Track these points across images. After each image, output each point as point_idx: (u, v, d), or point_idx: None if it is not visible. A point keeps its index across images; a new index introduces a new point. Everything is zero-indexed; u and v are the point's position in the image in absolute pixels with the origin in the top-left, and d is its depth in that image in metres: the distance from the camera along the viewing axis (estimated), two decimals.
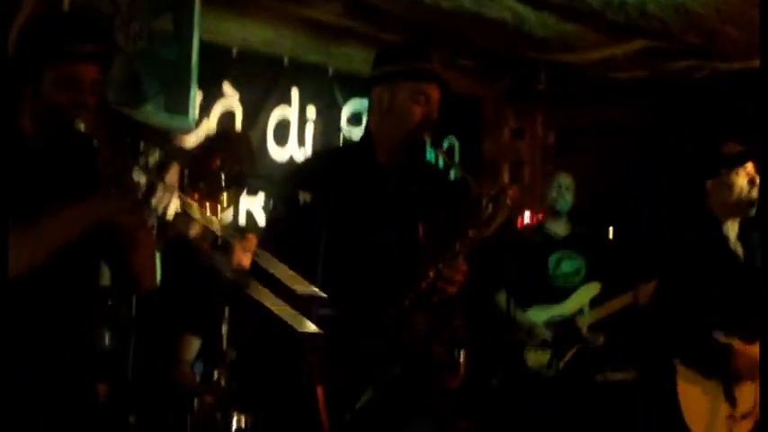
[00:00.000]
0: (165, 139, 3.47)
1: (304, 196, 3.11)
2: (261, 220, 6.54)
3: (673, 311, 4.36)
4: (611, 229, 6.69)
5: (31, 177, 3.01)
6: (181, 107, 4.67)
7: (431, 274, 3.29)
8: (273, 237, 3.45)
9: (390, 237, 3.45)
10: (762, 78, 3.78)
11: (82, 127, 2.96)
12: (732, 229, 4.45)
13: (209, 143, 3.27)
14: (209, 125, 6.09)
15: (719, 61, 6.45)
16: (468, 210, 3.35)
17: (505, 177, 8.11)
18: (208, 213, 3.11)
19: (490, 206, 3.33)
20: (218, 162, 3.10)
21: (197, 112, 4.88)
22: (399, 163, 3.53)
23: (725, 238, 4.45)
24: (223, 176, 3.08)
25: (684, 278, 4.35)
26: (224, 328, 4.99)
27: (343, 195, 3.36)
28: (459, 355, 3.48)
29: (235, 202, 3.24)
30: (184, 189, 3.05)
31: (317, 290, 2.94)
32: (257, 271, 3.03)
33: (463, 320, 3.50)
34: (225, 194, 3.10)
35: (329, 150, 4.88)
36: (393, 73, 3.49)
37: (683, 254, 4.40)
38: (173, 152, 3.13)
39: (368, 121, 3.64)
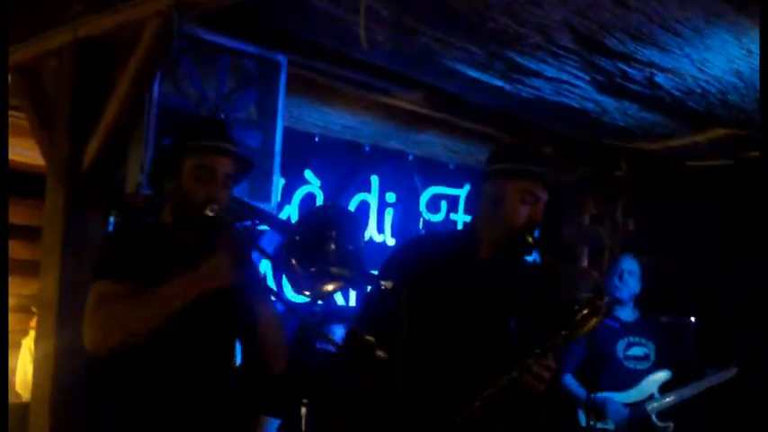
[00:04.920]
0: (274, 220, 3.56)
1: (387, 284, 3.13)
2: (341, 301, 6.60)
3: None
4: (692, 317, 6.62)
5: (163, 259, 3.21)
6: (264, 194, 4.74)
7: (519, 370, 3.29)
8: (365, 321, 3.50)
9: (482, 330, 3.47)
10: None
11: (210, 213, 3.13)
12: None
13: (319, 220, 3.30)
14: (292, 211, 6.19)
15: None
16: (562, 310, 3.36)
17: (584, 262, 8.08)
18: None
19: (585, 310, 3.33)
20: (332, 245, 3.17)
21: (279, 198, 4.95)
22: (499, 259, 3.56)
23: None
24: (337, 262, 3.14)
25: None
26: (303, 410, 5.01)
27: (440, 284, 3.40)
28: None
29: (344, 287, 3.27)
30: (293, 269, 3.13)
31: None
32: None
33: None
34: (333, 284, 3.15)
35: (431, 236, 4.90)
36: (505, 170, 3.54)
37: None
38: (283, 229, 3.21)
39: (474, 214, 3.69)
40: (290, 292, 5.14)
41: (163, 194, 3.36)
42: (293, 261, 3.11)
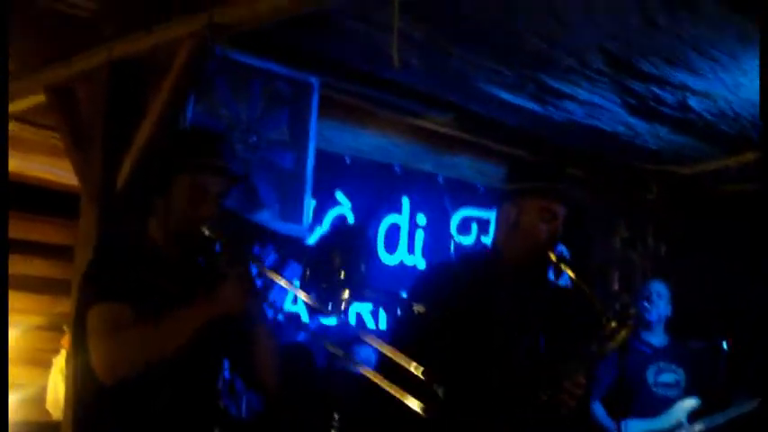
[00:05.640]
0: (285, 239, 3.53)
1: (420, 309, 3.15)
2: (371, 324, 6.59)
3: None
4: (724, 342, 6.56)
5: (158, 280, 3.15)
6: (295, 215, 4.76)
7: (552, 387, 3.28)
8: (397, 344, 3.50)
9: (511, 349, 3.46)
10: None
11: (206, 232, 3.09)
12: None
13: (328, 240, 3.32)
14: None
15: None
16: (590, 325, 3.35)
17: (615, 286, 8.04)
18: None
19: (613, 323, 3.32)
20: (338, 260, 3.16)
21: (311, 219, 4.96)
22: (523, 277, 3.56)
23: None
24: (343, 274, 3.14)
25: None
26: None
27: (465, 307, 3.39)
28: None
29: (354, 301, 3.25)
30: (306, 287, 3.12)
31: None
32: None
33: None
34: (345, 294, 3.15)
35: (459, 258, 4.89)
36: (522, 190, 3.54)
37: None
38: (292, 252, 3.21)
39: (495, 235, 3.68)
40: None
41: (149, 208, 3.30)
42: (308, 273, 3.12)
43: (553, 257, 3.47)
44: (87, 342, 3.04)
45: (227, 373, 3.63)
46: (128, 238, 3.48)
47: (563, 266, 3.48)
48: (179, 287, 3.16)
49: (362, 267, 3.22)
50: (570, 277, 3.43)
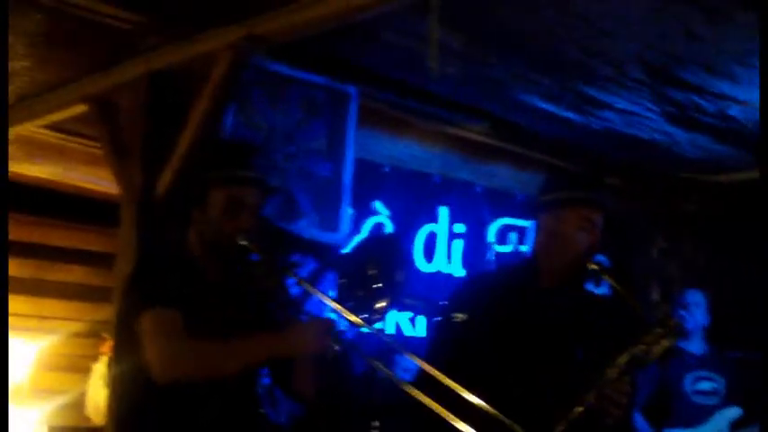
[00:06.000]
0: (322, 249, 3.55)
1: (461, 317, 3.15)
2: (409, 332, 6.59)
3: None
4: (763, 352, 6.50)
5: (197, 289, 3.18)
6: (333, 223, 4.77)
7: (595, 395, 3.26)
8: (437, 354, 3.50)
9: (549, 360, 3.45)
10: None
11: (243, 243, 3.11)
12: None
13: (365, 249, 3.33)
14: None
15: None
16: (631, 334, 3.33)
17: (654, 296, 7.99)
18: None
19: (657, 330, 3.30)
20: (375, 269, 3.17)
21: (348, 228, 4.97)
22: (562, 288, 3.55)
23: None
24: (380, 283, 3.15)
25: None
26: None
27: (505, 317, 3.39)
28: None
29: (390, 309, 3.27)
30: (343, 296, 3.14)
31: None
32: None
33: None
34: (382, 303, 3.16)
35: (498, 269, 4.88)
36: (560, 200, 3.53)
37: None
38: (330, 261, 3.23)
39: (534, 245, 3.67)
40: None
41: (188, 218, 3.34)
42: (345, 281, 3.14)
43: (592, 266, 3.46)
44: (142, 343, 3.05)
45: (266, 380, 3.65)
46: (169, 246, 3.52)
47: (604, 275, 3.48)
48: (216, 298, 3.20)
49: (400, 276, 3.23)
50: (611, 286, 3.41)
